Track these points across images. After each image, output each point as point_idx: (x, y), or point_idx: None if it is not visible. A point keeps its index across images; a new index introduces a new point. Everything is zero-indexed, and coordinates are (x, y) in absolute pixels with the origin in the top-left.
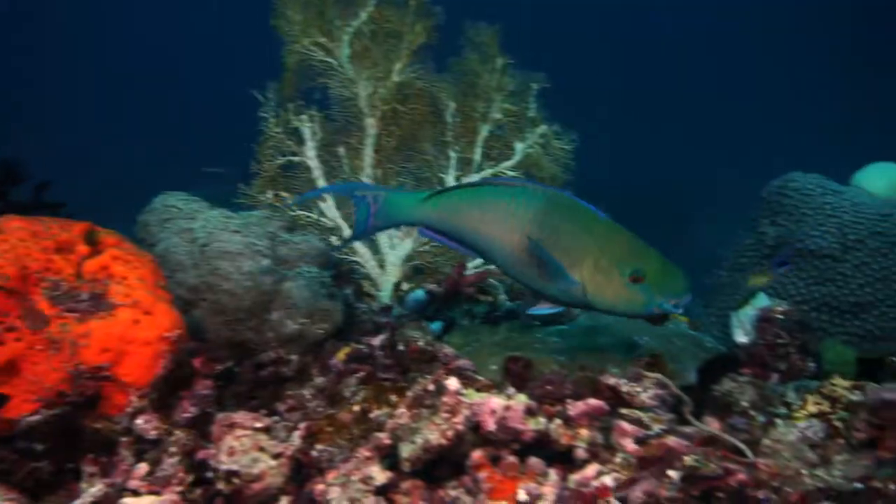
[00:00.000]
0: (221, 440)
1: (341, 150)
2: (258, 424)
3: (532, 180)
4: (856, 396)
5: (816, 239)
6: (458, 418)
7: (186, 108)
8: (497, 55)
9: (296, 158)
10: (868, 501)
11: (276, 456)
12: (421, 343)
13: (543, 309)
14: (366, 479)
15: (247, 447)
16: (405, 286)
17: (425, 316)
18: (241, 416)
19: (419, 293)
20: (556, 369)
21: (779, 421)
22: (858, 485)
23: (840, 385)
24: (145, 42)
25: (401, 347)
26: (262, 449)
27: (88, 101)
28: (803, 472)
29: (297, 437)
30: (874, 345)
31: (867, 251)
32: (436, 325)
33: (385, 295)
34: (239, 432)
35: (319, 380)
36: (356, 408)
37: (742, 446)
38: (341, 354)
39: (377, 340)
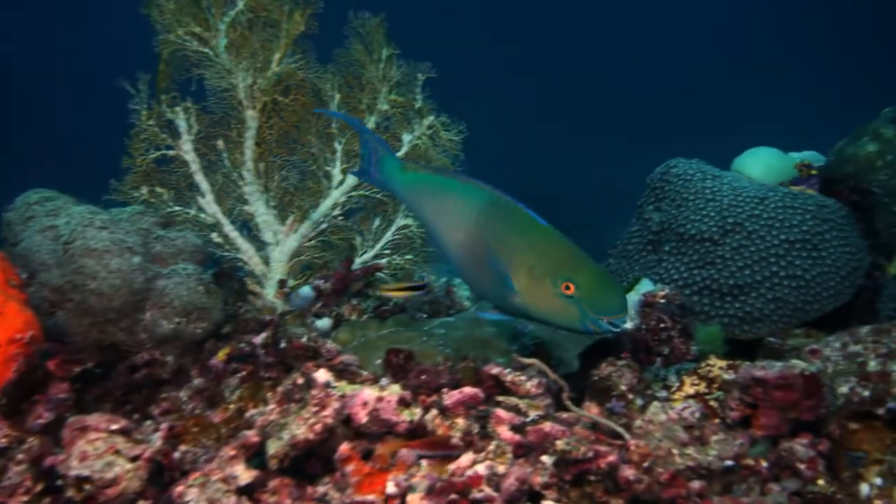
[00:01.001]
0: (73, 445)
1: (220, 144)
2: (114, 426)
3: (480, 179)
4: (730, 376)
5: (697, 223)
6: (327, 411)
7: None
8: (383, 45)
9: (171, 152)
10: (740, 479)
11: (134, 459)
12: (304, 340)
13: (494, 315)
14: (227, 479)
15: (101, 451)
16: (291, 283)
17: (313, 313)
18: (94, 419)
19: (306, 290)
20: (439, 360)
21: (656, 403)
22: (730, 463)
23: (716, 365)
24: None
25: (283, 345)
26: (117, 452)
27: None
28: (674, 451)
29: (157, 439)
30: (753, 326)
31: (745, 234)
32: (323, 322)
33: (269, 292)
34: (92, 435)
35: (198, 381)
36: (232, 407)
37: (620, 430)
38: (221, 354)
39: (259, 339)
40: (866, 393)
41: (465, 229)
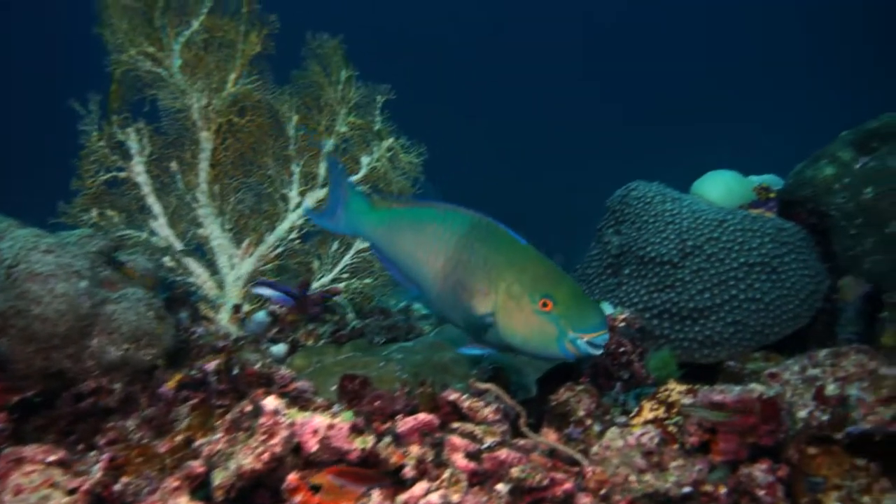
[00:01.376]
0: (7, 478)
1: (174, 165)
2: (51, 458)
3: (462, 205)
4: (689, 400)
5: (656, 246)
6: (276, 440)
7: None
8: (341, 67)
9: (122, 174)
10: None
11: (71, 492)
12: (258, 366)
13: (473, 349)
14: None
15: (36, 484)
16: (246, 307)
17: (268, 338)
18: (31, 450)
19: (261, 315)
20: (396, 386)
21: (614, 428)
22: (688, 489)
23: (675, 389)
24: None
25: (236, 372)
26: (54, 485)
27: None
28: (632, 478)
29: (98, 470)
30: (712, 350)
31: (704, 257)
32: (278, 348)
33: (224, 317)
34: (28, 468)
35: (147, 410)
36: (179, 437)
37: (578, 456)
38: (172, 382)
39: (212, 365)
40: (825, 417)
41: (444, 254)
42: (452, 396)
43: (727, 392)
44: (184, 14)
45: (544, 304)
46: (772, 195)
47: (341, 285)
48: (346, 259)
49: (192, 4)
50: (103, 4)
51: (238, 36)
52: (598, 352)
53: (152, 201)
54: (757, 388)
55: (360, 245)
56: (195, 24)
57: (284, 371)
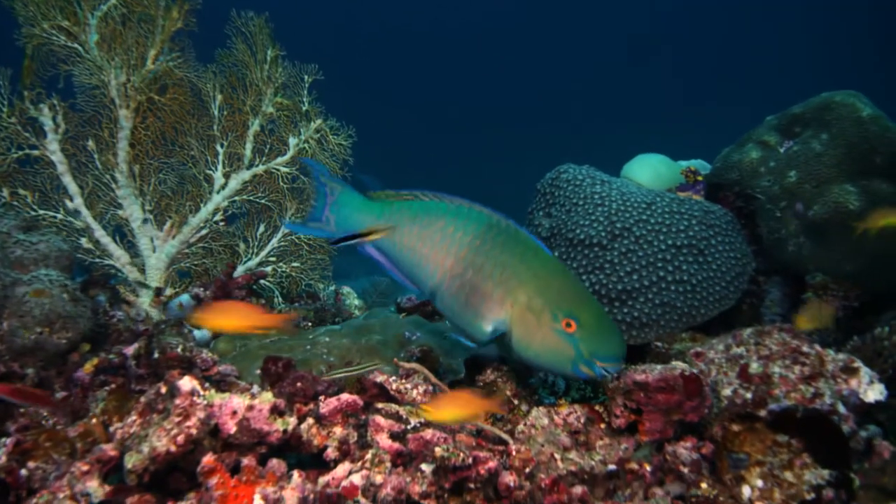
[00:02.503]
0: None
1: (91, 144)
2: None
3: (477, 202)
4: (613, 381)
5: (586, 228)
6: (191, 421)
7: None
8: (268, 46)
9: (35, 152)
10: (624, 484)
11: None
12: (179, 350)
13: (464, 339)
14: (78, 496)
15: None
16: (169, 291)
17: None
18: None
19: (184, 298)
20: (322, 369)
21: (540, 408)
22: (612, 467)
23: None
24: None
25: (157, 356)
26: None
27: None
28: (557, 456)
29: (2, 455)
30: (641, 331)
31: (633, 239)
32: (202, 332)
33: (145, 301)
34: None
35: (62, 394)
36: (94, 421)
37: (504, 436)
38: (89, 366)
39: (131, 349)
40: (748, 395)
41: (455, 254)
42: (380, 378)
43: (649, 371)
44: None
45: (567, 325)
46: (700, 178)
47: (268, 269)
48: (274, 242)
49: None
50: None
51: (158, 11)
52: (611, 376)
53: (68, 181)
54: (679, 365)
55: (287, 228)
56: None
57: (207, 355)
